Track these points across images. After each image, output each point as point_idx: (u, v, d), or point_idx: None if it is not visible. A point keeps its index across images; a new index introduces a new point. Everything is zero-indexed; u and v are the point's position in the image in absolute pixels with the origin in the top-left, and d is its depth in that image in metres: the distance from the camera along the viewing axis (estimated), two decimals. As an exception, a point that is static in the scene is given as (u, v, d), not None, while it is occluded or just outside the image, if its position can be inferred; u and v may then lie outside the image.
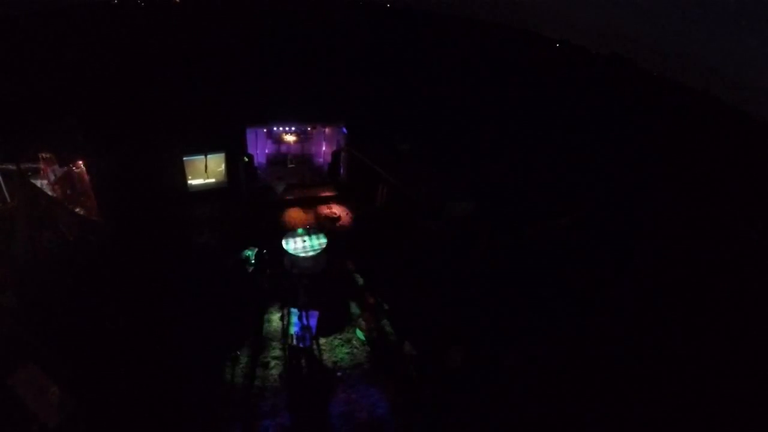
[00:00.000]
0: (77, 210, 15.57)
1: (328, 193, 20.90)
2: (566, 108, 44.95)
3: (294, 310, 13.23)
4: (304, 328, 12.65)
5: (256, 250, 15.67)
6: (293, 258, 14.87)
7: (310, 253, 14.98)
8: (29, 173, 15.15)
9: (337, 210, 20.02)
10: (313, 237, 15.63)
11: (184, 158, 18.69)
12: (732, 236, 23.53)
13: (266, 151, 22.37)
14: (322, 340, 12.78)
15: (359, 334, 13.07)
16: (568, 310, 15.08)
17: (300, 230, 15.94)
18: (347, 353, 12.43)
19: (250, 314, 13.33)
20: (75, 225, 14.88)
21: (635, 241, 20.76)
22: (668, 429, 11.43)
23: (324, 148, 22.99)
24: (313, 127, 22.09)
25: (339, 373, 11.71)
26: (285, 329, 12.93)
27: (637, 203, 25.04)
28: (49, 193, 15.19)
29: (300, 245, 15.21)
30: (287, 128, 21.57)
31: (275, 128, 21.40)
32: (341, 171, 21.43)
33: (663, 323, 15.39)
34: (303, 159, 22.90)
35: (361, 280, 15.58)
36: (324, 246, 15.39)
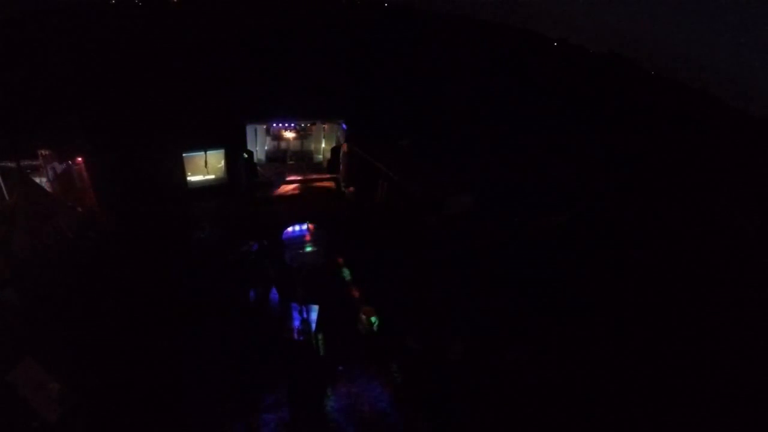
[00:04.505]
0: (77, 207, 15.54)
1: (326, 184, 21.02)
2: (564, 106, 44.95)
3: (294, 304, 13.21)
4: (303, 322, 12.64)
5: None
6: (294, 252, 14.87)
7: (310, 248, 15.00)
8: (29, 170, 15.13)
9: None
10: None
11: (184, 155, 18.65)
12: (730, 232, 23.58)
13: (266, 147, 22.34)
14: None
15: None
16: (567, 306, 15.09)
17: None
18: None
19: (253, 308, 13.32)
20: (74, 221, 14.86)
21: (634, 237, 20.79)
22: (669, 428, 11.44)
23: (323, 144, 22.98)
24: (313, 124, 22.08)
25: (340, 367, 11.69)
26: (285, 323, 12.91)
27: (635, 200, 25.08)
28: (49, 190, 15.18)
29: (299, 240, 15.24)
30: (286, 125, 21.57)
31: (274, 125, 21.39)
32: (341, 167, 21.41)
33: (662, 319, 15.41)
34: (302, 155, 22.89)
35: (361, 275, 15.56)
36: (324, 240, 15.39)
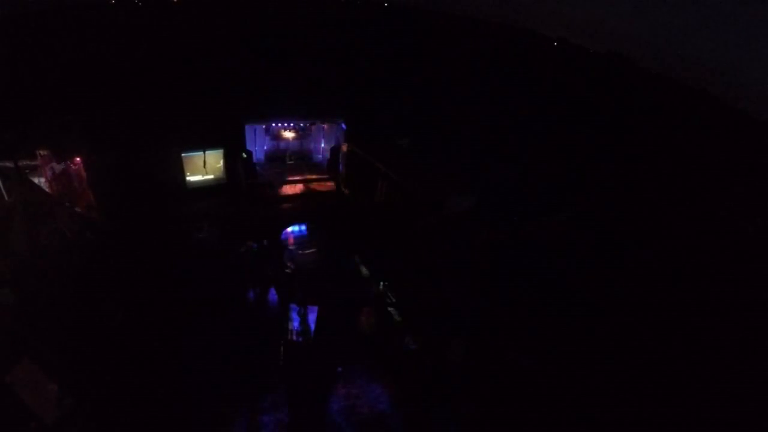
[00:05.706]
0: (75, 207, 15.49)
1: (326, 184, 21.00)
2: (564, 105, 44.93)
3: (293, 305, 13.17)
4: (302, 323, 12.59)
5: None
6: (292, 253, 14.83)
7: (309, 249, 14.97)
8: (27, 171, 15.08)
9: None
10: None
11: (183, 155, 18.62)
12: (730, 232, 23.54)
13: (265, 147, 22.28)
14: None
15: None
16: (568, 306, 15.05)
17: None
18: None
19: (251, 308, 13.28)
20: (73, 222, 14.80)
21: (634, 237, 20.75)
22: (670, 428, 11.39)
23: (323, 144, 22.93)
24: (312, 123, 22.03)
25: (339, 368, 11.65)
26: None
27: (635, 200, 25.05)
28: (47, 190, 15.13)
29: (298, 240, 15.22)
30: (286, 124, 21.52)
31: (274, 124, 21.34)
32: (340, 167, 21.37)
33: (663, 319, 15.37)
34: (302, 155, 22.84)
35: (360, 275, 15.52)
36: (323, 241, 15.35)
